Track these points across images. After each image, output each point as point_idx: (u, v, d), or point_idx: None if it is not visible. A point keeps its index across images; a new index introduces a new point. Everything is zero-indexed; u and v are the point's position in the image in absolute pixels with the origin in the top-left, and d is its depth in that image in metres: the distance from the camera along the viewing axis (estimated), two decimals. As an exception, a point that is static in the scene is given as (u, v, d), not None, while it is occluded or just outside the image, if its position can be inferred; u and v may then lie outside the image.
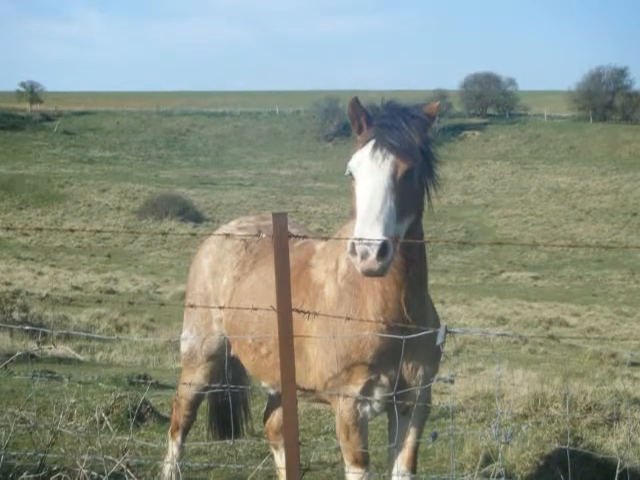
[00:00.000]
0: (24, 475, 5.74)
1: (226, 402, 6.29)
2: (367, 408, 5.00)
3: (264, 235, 5.70)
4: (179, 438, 6.53)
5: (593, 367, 17.97)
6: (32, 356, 13.19)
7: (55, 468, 5.83)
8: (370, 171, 4.43)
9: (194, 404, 6.48)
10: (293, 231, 5.40)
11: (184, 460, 6.73)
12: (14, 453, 6.13)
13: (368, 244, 4.16)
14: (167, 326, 20.86)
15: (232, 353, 6.06)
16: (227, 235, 5.87)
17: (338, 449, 6.08)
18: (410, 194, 4.49)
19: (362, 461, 5.04)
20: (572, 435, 7.92)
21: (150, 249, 57.09)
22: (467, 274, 52.93)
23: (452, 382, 4.83)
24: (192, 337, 6.28)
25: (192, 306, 6.10)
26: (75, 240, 57.59)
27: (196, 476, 7.25)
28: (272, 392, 6.21)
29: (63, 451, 6.08)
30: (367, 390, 4.93)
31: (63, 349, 14.33)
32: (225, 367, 5.97)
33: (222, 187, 79.87)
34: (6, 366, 6.57)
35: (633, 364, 19.87)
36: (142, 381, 10.29)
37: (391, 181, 4.40)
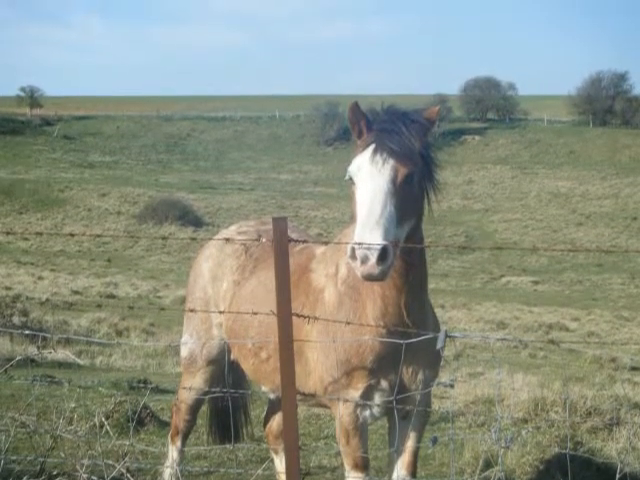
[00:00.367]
0: (24, 479, 5.74)
1: (226, 406, 6.29)
2: (367, 412, 4.99)
3: (264, 239, 5.70)
4: (179, 442, 6.53)
5: (593, 371, 17.97)
6: (32, 360, 13.16)
7: (55, 472, 5.84)
8: (370, 175, 4.43)
9: (194, 408, 6.48)
10: (293, 235, 5.40)
11: (184, 464, 6.72)
12: (14, 457, 6.13)
13: (368, 248, 4.17)
14: (167, 330, 20.84)
15: (232, 357, 6.06)
16: (227, 239, 5.87)
17: (338, 453, 6.07)
18: (410, 198, 4.49)
19: (362, 465, 5.04)
20: (572, 439, 7.92)
21: (150, 253, 57.07)
22: (467, 278, 52.91)
23: (452, 386, 4.83)
24: (192, 341, 6.28)
25: (192, 310, 6.10)
26: (75, 244, 57.61)
27: (196, 480, 7.24)
28: (272, 396, 6.21)
29: (63, 455, 6.08)
30: (367, 394, 4.93)
31: (63, 353, 14.35)
32: (225, 371, 5.98)
33: (222, 191, 79.90)
34: (6, 370, 6.58)
35: (633, 368, 19.87)
36: (142, 385, 10.30)
37: (391, 185, 4.40)
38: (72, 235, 6.52)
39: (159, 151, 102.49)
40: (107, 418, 7.91)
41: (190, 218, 66.27)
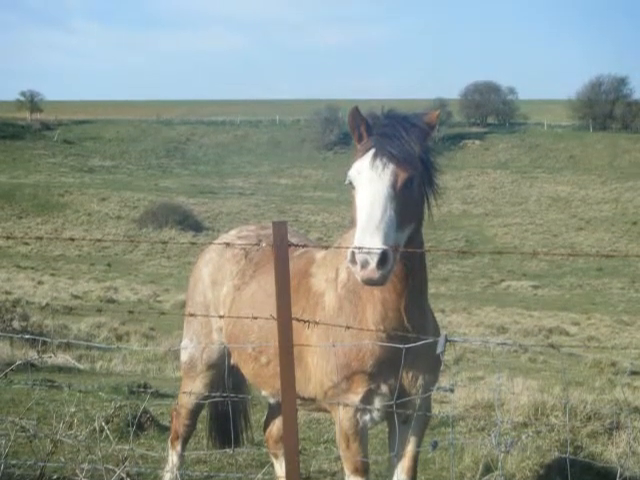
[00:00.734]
0: (24, 484, 5.74)
1: (226, 411, 6.29)
2: (367, 417, 4.99)
3: (264, 244, 5.70)
4: (179, 447, 6.52)
5: (593, 376, 17.97)
6: (32, 365, 13.17)
7: (55, 477, 5.84)
8: (370, 180, 4.43)
9: (194, 413, 6.48)
10: (293, 240, 5.40)
11: (184, 469, 6.72)
12: (14, 462, 6.12)
13: (368, 253, 4.17)
14: (167, 335, 20.84)
15: (232, 362, 6.05)
16: (227, 244, 5.87)
17: (338, 458, 6.08)
18: (410, 203, 4.49)
19: (362, 470, 5.03)
20: (572, 444, 7.92)
21: (150, 258, 57.10)
22: (467, 283, 52.94)
23: (452, 391, 4.83)
24: (192, 346, 6.28)
25: (192, 315, 6.10)
26: (75, 249, 57.60)
27: (196, 485, 7.23)
28: (272, 401, 6.21)
29: (63, 460, 6.08)
30: (367, 399, 4.92)
31: (63, 358, 14.35)
32: (225, 376, 5.97)
33: (222, 196, 79.94)
34: (6, 375, 6.56)
35: (633, 373, 19.84)
36: (142, 390, 10.30)
37: (391, 190, 4.40)
38: (72, 239, 6.52)
39: (159, 156, 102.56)
40: (107, 422, 7.89)
41: (190, 223, 66.35)
